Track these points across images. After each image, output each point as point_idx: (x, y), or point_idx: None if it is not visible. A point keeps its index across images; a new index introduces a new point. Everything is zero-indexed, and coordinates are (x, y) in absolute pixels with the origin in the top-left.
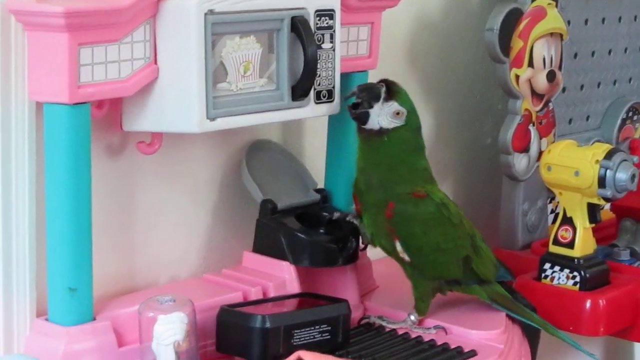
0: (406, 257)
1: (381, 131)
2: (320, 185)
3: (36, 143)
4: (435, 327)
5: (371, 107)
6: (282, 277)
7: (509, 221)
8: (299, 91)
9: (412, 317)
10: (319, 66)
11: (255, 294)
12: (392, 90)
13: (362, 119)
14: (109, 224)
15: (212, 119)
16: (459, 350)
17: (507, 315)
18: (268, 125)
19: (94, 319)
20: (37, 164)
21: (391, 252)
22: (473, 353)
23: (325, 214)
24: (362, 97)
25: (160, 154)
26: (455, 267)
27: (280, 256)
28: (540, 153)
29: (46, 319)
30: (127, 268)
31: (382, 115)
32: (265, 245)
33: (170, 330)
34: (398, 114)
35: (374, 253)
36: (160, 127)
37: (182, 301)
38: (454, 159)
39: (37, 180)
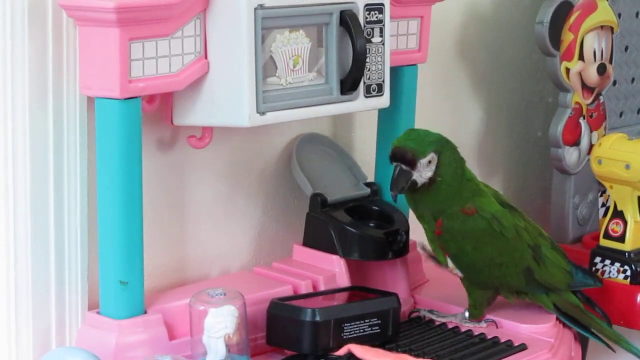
0: (458, 273)
1: (432, 179)
2: (370, 178)
3: (88, 138)
4: (486, 320)
5: (411, 174)
6: (332, 270)
7: (560, 214)
8: (348, 85)
9: (466, 314)
10: (368, 60)
11: (305, 287)
12: (410, 160)
13: (412, 185)
14: (159, 217)
15: (262, 113)
16: (509, 344)
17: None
18: (318, 118)
19: (145, 312)
20: (89, 159)
21: (446, 266)
22: (523, 347)
23: (375, 207)
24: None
25: (210, 148)
26: (515, 279)
27: (330, 249)
28: (591, 146)
29: (98, 312)
30: (178, 261)
31: (422, 172)
32: (315, 238)
33: (221, 323)
34: (430, 162)
35: None
36: (210, 121)
37: (232, 294)
38: (504, 153)
39: (89, 174)
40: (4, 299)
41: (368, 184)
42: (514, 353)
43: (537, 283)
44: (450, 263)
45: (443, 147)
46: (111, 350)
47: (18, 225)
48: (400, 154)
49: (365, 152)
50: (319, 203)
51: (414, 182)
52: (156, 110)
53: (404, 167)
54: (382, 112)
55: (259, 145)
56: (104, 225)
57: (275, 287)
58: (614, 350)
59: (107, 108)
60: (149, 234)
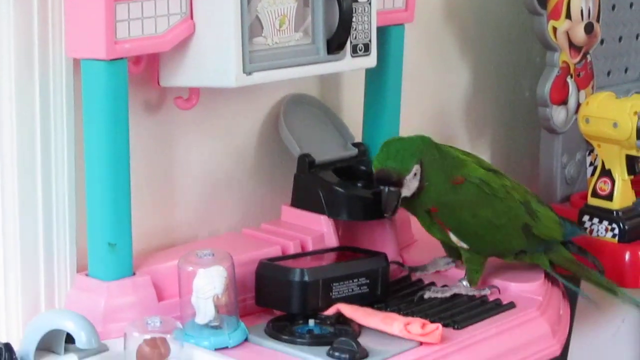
0: (463, 245)
1: (420, 187)
2: (358, 139)
3: (74, 100)
4: (490, 287)
5: (399, 193)
6: (320, 230)
7: (548, 174)
8: (334, 45)
9: (465, 283)
10: (354, 20)
11: (294, 248)
12: (396, 181)
13: (398, 203)
14: (147, 180)
15: (249, 73)
16: (497, 302)
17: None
18: (305, 79)
19: (134, 273)
20: (76, 121)
21: (449, 242)
22: (512, 305)
23: (362, 168)
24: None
25: (198, 109)
26: (517, 239)
27: (319, 210)
28: (579, 105)
29: (87, 275)
30: (166, 224)
31: (410, 185)
32: (303, 199)
33: (209, 284)
34: (415, 174)
35: None
36: (197, 82)
37: (221, 255)
38: (492, 113)
39: (76, 137)
40: None
41: (356, 145)
42: (503, 311)
43: (537, 239)
44: (453, 237)
45: (423, 152)
46: (100, 312)
47: (5, 189)
48: (385, 177)
49: (353, 113)
50: (306, 164)
51: (405, 198)
52: (142, 72)
53: (391, 188)
54: (369, 72)
55: (246, 107)
56: (91, 187)
57: (263, 248)
58: (596, 305)
59: (94, 70)
60: (137, 196)
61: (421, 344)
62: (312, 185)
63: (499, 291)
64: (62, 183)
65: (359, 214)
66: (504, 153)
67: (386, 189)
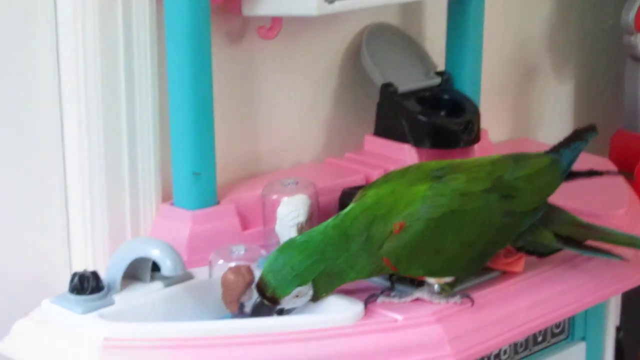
0: (447, 279)
1: (315, 298)
2: (441, 67)
3: (157, 31)
4: (461, 295)
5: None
6: (403, 159)
7: (633, 102)
8: None
9: (436, 287)
10: None
11: (377, 177)
12: (271, 298)
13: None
14: (231, 110)
15: (330, 2)
16: None
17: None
18: (386, 8)
19: (218, 202)
20: (159, 52)
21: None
22: None
23: (445, 96)
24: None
25: (280, 39)
26: (503, 234)
27: (402, 139)
28: None
29: (171, 204)
30: (249, 154)
31: (292, 302)
32: (386, 128)
33: (293, 212)
34: (297, 295)
35: (496, 135)
36: (279, 10)
37: (305, 183)
38: (576, 42)
39: (159, 68)
40: (79, 193)
41: (439, 73)
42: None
43: (525, 214)
44: (432, 280)
45: (316, 272)
46: (185, 241)
47: (90, 121)
48: (260, 289)
49: (435, 41)
50: (389, 93)
51: (284, 310)
52: (224, 1)
53: (265, 302)
54: (451, 0)
55: (328, 36)
56: (175, 118)
57: (347, 177)
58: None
59: (176, 0)
60: (221, 126)
61: (504, 272)
62: (395, 114)
63: (472, 302)
64: (146, 114)
65: (442, 143)
66: (587, 82)
67: (260, 299)
